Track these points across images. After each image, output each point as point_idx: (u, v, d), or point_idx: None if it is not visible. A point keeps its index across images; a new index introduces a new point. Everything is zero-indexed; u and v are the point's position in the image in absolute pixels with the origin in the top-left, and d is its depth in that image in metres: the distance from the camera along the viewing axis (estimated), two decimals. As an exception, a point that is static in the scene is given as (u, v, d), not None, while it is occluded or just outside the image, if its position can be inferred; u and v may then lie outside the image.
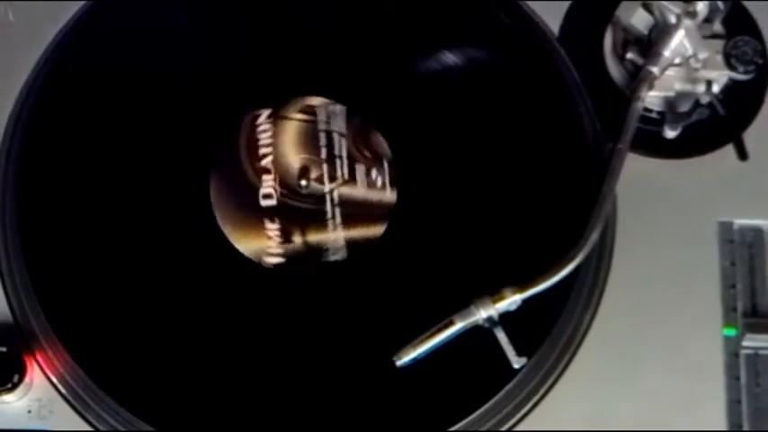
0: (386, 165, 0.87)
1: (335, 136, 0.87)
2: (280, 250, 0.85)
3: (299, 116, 0.88)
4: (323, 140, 0.87)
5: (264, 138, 0.87)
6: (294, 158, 0.87)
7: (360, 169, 0.87)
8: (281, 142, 0.87)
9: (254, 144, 0.87)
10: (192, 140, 0.87)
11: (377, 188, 0.86)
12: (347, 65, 0.90)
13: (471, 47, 0.90)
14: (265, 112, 0.88)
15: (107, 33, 0.89)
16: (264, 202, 0.86)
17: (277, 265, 0.85)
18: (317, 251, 0.85)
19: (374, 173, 0.87)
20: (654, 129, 0.88)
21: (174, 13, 0.91)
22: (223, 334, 0.83)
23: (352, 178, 0.87)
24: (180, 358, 0.82)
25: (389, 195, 0.86)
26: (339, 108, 0.88)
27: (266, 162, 0.87)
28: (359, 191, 0.87)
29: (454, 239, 0.85)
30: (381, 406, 0.81)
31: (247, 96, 0.89)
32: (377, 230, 0.85)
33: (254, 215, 0.86)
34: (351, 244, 0.85)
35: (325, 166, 0.87)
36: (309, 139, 0.88)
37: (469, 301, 0.80)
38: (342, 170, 0.87)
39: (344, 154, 0.87)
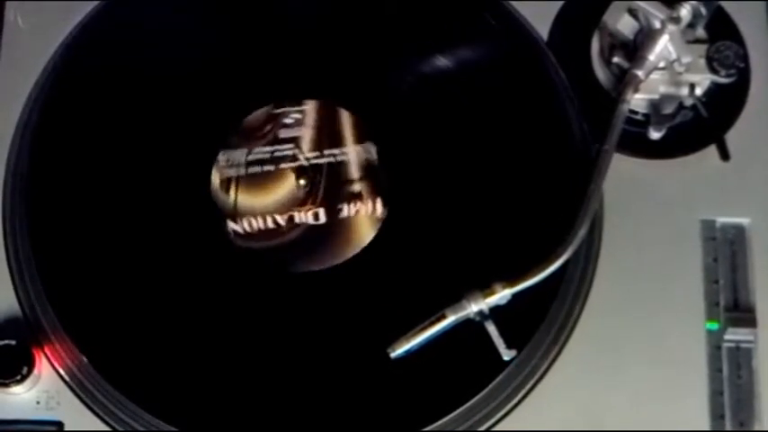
0: (277, 107, 0.89)
1: (252, 158, 0.88)
2: (373, 201, 0.87)
3: (233, 193, 0.87)
4: (256, 168, 0.88)
5: (259, 223, 0.87)
6: (280, 196, 0.88)
7: (283, 132, 0.88)
8: (264, 207, 0.87)
9: (268, 234, 0.87)
10: (195, 138, 0.88)
11: (303, 113, 0.89)
12: (340, 68, 0.90)
13: (463, 50, 0.90)
14: (232, 224, 0.87)
15: (113, 37, 0.90)
16: (323, 219, 0.87)
17: (390, 202, 0.86)
18: (374, 168, 0.87)
19: (287, 119, 0.88)
20: (639, 130, 0.89)
21: (175, 16, 0.91)
22: (225, 327, 0.83)
23: (294, 142, 0.88)
24: (184, 351, 0.82)
25: (312, 103, 0.88)
26: (229, 151, 0.88)
27: (281, 220, 0.87)
28: (304, 128, 0.88)
29: (446, 237, 0.86)
30: (374, 399, 0.81)
31: (250, 97, 0.89)
32: (352, 120, 0.88)
33: (334, 228, 0.87)
34: (360, 138, 0.88)
35: (288, 166, 0.88)
36: (259, 180, 0.88)
37: (461, 295, 0.81)
38: (287, 149, 0.88)
39: (267, 149, 0.88)
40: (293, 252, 0.86)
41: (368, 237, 0.86)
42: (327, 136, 0.89)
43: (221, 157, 0.88)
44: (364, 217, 0.87)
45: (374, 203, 0.87)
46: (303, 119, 0.89)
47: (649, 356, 0.85)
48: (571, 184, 0.85)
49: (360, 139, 0.88)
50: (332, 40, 0.91)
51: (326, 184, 0.88)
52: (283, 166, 0.88)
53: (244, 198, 0.88)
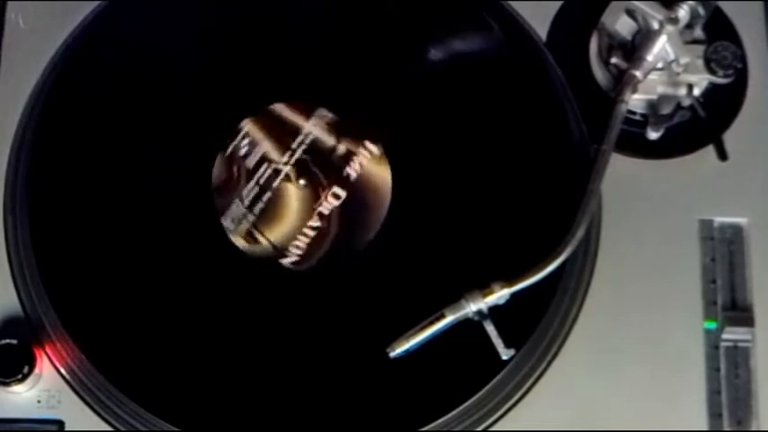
0: (224, 149, 0.88)
1: (248, 201, 0.87)
2: (363, 146, 0.88)
3: (261, 238, 0.87)
4: (259, 205, 0.87)
5: (302, 241, 0.87)
6: (296, 207, 0.88)
7: (249, 162, 0.88)
8: (294, 226, 0.87)
9: (318, 242, 0.87)
10: (196, 138, 0.88)
11: (249, 135, 0.88)
12: (339, 68, 0.90)
13: (462, 51, 0.90)
14: (286, 260, 0.87)
15: (113, 37, 0.90)
16: (343, 194, 0.88)
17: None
18: (339, 122, 0.89)
19: (242, 150, 0.88)
20: (637, 130, 0.89)
21: (176, 16, 0.92)
22: (226, 326, 0.83)
23: (265, 161, 0.88)
24: (185, 350, 0.83)
25: (247, 121, 0.88)
26: (227, 213, 0.87)
27: (315, 223, 0.87)
28: (260, 145, 0.88)
29: (445, 236, 0.86)
30: (373, 399, 0.82)
31: (250, 98, 0.90)
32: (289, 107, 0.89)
33: (357, 193, 0.88)
34: (307, 113, 0.89)
35: (279, 181, 0.88)
36: (270, 211, 0.87)
37: (460, 295, 0.81)
38: (265, 171, 0.88)
39: (251, 184, 0.88)
40: (350, 236, 0.87)
41: (386, 174, 0.87)
42: (282, 134, 0.89)
43: (227, 223, 0.87)
44: (370, 163, 0.88)
45: (365, 147, 0.88)
46: (253, 139, 0.89)
47: (647, 356, 0.85)
48: (569, 184, 0.85)
49: (307, 114, 0.89)
50: (331, 41, 0.92)
51: (320, 167, 0.88)
52: (275, 184, 0.88)
53: (273, 234, 0.87)
